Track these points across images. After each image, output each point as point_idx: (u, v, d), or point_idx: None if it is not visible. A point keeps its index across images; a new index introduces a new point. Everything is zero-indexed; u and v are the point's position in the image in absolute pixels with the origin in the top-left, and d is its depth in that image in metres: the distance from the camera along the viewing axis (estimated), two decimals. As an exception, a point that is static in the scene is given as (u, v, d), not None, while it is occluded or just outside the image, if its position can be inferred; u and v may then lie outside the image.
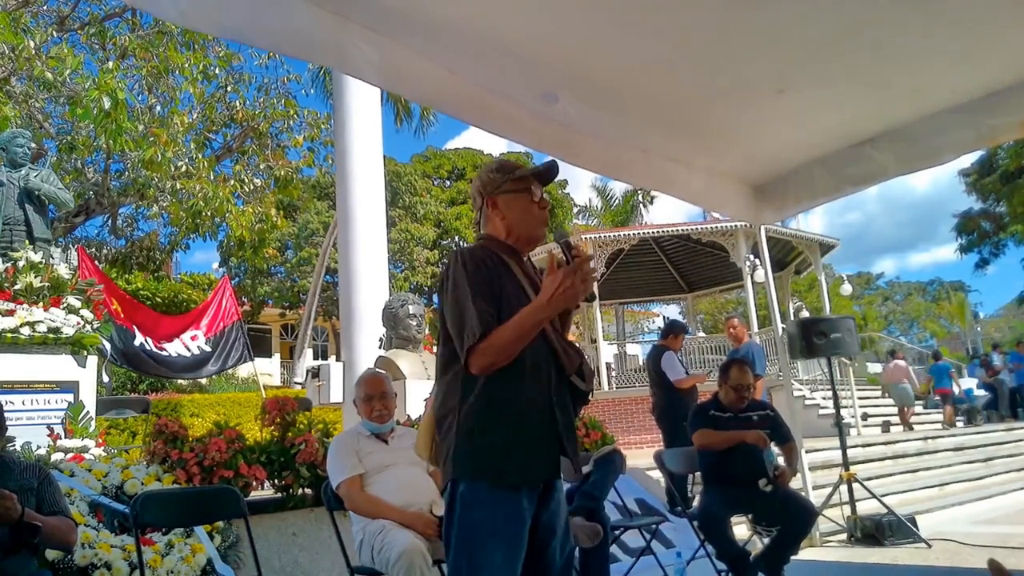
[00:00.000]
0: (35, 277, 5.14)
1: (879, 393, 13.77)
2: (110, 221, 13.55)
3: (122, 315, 7.05)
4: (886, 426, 11.31)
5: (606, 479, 3.60)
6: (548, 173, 1.98)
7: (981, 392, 14.60)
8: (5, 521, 2.16)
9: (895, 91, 3.78)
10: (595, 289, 1.78)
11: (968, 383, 15.15)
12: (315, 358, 23.09)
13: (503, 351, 1.71)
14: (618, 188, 24.23)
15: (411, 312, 5.69)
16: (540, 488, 1.81)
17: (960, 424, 12.39)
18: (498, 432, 1.75)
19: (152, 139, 9.48)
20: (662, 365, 6.05)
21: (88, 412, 4.65)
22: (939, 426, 11.89)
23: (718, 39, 3.18)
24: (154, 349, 7.26)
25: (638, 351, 17.68)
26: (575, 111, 3.61)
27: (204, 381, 14.37)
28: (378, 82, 3.21)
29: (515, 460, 1.75)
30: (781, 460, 4.11)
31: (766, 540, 3.91)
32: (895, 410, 12.23)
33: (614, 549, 4.12)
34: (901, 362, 12.84)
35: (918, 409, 12.94)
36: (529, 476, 1.77)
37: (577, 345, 1.98)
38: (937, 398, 13.23)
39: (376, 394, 3.07)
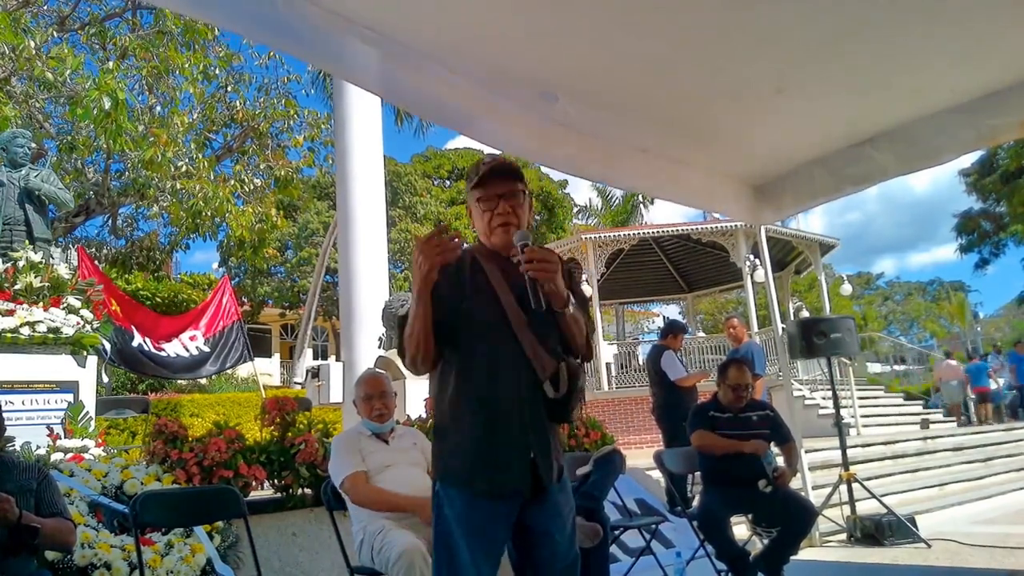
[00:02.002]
0: (35, 277, 5.13)
1: (880, 392, 13.79)
2: (110, 221, 13.55)
3: (121, 315, 7.04)
4: (925, 423, 11.63)
5: (606, 479, 3.60)
6: (481, 181, 1.84)
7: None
8: (3, 524, 2.16)
9: (895, 91, 3.78)
10: (538, 294, 1.72)
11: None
12: (315, 358, 23.10)
13: (409, 343, 1.77)
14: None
15: (411, 312, 5.69)
16: (524, 495, 1.77)
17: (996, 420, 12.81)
18: (463, 436, 1.76)
19: (152, 139, 9.48)
20: (662, 364, 6.05)
21: (88, 412, 4.65)
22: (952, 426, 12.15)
23: (718, 39, 3.17)
24: (152, 350, 7.25)
25: (638, 351, 17.65)
26: (575, 111, 3.60)
27: (204, 381, 14.36)
28: (376, 86, 3.20)
29: (480, 469, 1.74)
30: (780, 460, 4.11)
31: (766, 540, 3.91)
32: (918, 408, 13.05)
33: (614, 549, 4.11)
34: (953, 362, 13.84)
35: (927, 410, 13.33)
36: (495, 487, 1.74)
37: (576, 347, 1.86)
38: (972, 396, 13.57)
39: (376, 393, 3.07)
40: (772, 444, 3.96)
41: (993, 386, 13.67)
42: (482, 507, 1.74)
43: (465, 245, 1.83)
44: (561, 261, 1.78)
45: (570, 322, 1.81)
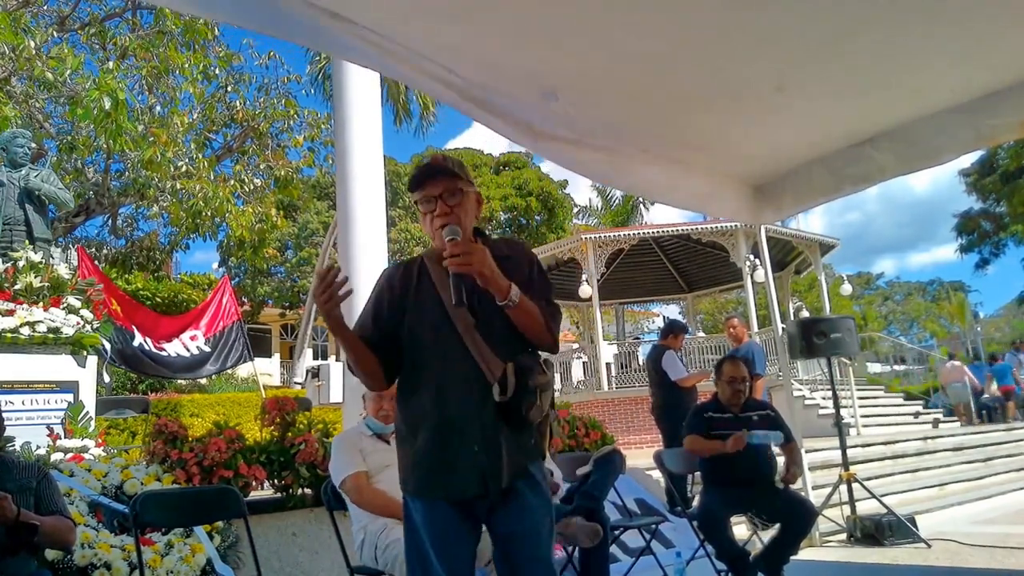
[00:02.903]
0: (35, 277, 5.14)
1: (880, 392, 13.80)
2: (110, 221, 13.56)
3: (121, 315, 7.04)
4: (936, 423, 11.91)
5: (606, 479, 3.60)
6: (417, 184, 1.83)
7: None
8: (1, 522, 2.16)
9: (895, 91, 3.78)
10: (460, 290, 1.70)
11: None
12: (315, 358, 23.11)
13: (354, 367, 1.83)
14: (618, 188, 24.18)
15: (411, 312, 5.68)
16: (486, 498, 1.75)
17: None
18: (420, 444, 1.78)
19: (152, 139, 9.49)
20: (663, 364, 6.05)
21: (88, 412, 4.65)
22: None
23: (718, 39, 3.17)
24: (153, 349, 7.25)
25: (638, 351, 17.66)
26: (574, 110, 3.60)
27: (204, 381, 14.37)
28: (375, 67, 3.23)
29: (433, 474, 1.75)
30: (782, 461, 4.10)
31: (765, 538, 3.91)
32: (919, 408, 13.25)
33: (614, 549, 4.12)
34: (957, 362, 13.99)
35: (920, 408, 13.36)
36: (450, 492, 1.75)
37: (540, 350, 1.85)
38: (986, 396, 13.73)
39: (388, 395, 3.05)
40: (773, 444, 3.96)
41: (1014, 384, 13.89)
42: (444, 512, 1.76)
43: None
44: (493, 249, 1.74)
45: (520, 314, 1.74)
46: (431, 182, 1.82)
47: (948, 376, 13.57)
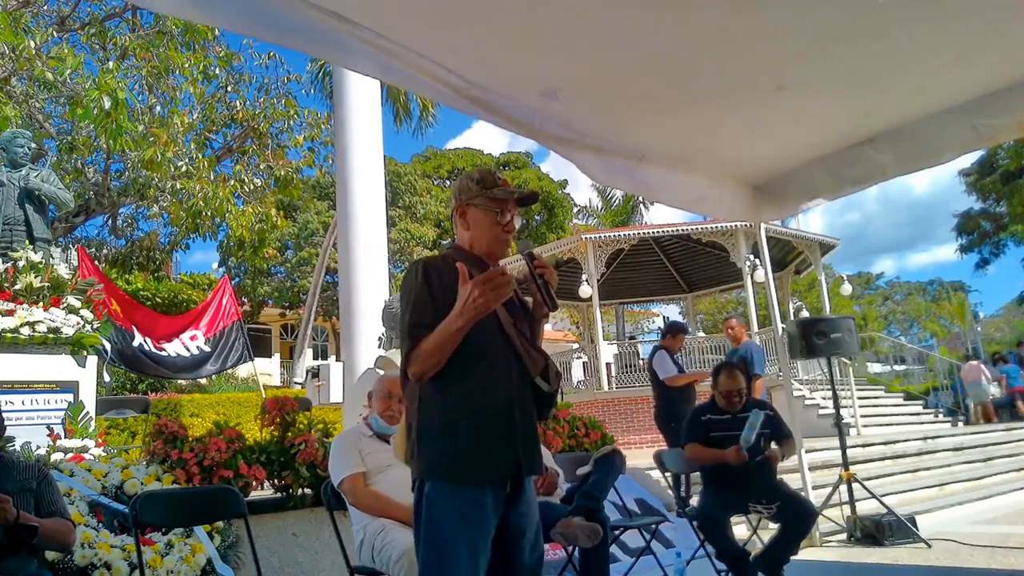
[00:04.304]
0: (35, 277, 5.14)
1: (880, 392, 13.80)
2: (110, 221, 13.58)
3: (121, 315, 7.04)
4: (955, 421, 12.44)
5: (606, 479, 3.59)
6: (526, 200, 2.02)
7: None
8: (0, 523, 2.16)
9: (895, 91, 3.78)
10: (553, 296, 1.91)
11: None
12: (315, 358, 23.11)
13: (427, 359, 1.81)
14: (618, 188, 24.14)
15: (411, 312, 5.67)
16: (506, 488, 1.85)
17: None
18: (458, 433, 1.82)
19: (152, 139, 9.50)
20: (654, 364, 6.07)
21: (88, 412, 4.65)
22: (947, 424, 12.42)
23: (718, 38, 3.17)
24: (153, 349, 7.25)
25: (638, 351, 17.65)
26: (574, 110, 3.61)
27: (204, 381, 14.35)
28: (377, 77, 3.22)
29: (474, 461, 1.81)
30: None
31: (765, 538, 3.91)
32: (918, 408, 13.60)
33: (614, 549, 4.12)
34: (974, 362, 14.43)
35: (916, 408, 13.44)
36: (488, 477, 1.83)
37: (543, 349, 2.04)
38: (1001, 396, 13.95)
39: (397, 395, 3.07)
40: (772, 443, 3.97)
41: None
42: (477, 501, 1.79)
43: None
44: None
45: (542, 329, 2.02)
46: (521, 206, 2.01)
47: (968, 375, 13.81)
